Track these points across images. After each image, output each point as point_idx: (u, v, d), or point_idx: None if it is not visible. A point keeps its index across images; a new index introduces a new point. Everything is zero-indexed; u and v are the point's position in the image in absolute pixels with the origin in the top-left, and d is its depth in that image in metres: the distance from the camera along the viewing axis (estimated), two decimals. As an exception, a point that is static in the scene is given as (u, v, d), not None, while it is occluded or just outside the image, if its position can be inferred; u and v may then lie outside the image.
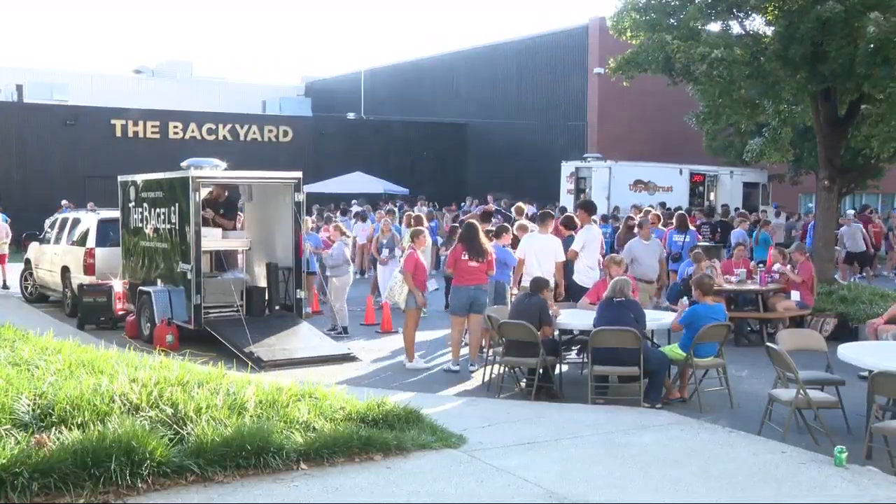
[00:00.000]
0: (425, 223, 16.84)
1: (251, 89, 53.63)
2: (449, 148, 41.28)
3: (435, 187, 35.58)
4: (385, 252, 15.90)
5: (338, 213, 25.28)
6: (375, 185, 34.02)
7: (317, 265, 15.57)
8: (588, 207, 13.33)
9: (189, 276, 12.36)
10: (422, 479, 6.27)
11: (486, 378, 10.27)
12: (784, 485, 6.37)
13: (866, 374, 8.72)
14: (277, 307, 13.27)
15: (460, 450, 6.97)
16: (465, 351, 11.49)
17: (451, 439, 7.11)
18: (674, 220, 17.64)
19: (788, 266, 13.48)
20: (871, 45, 13.52)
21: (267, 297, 13.30)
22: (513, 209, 18.57)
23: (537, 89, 38.29)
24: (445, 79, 43.29)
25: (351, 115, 42.80)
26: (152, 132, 35.27)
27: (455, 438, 7.13)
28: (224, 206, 13.85)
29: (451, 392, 10.00)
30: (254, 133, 37.29)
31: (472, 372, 10.96)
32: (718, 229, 20.36)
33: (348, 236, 14.91)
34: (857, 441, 7.21)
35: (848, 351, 8.06)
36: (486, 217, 14.86)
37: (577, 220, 13.03)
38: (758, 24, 16.97)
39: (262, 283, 13.50)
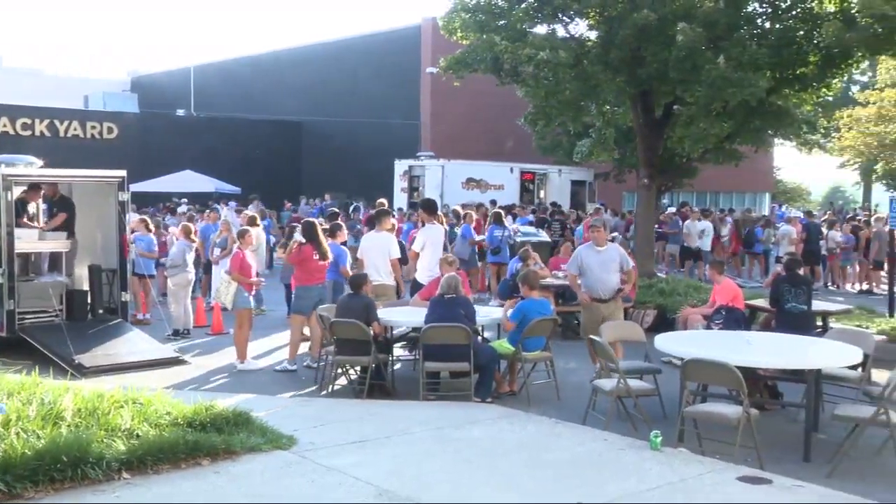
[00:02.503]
0: (259, 222, 16.56)
1: (71, 83, 51.12)
2: (283, 146, 40.72)
3: (269, 186, 34.97)
4: (216, 252, 15.51)
5: (167, 214, 24.47)
6: (206, 183, 33.09)
7: (153, 268, 15.09)
8: (429, 206, 13.42)
9: (0, 280, 11.63)
10: (251, 482, 6.16)
11: (320, 377, 10.21)
12: (605, 470, 6.65)
13: (670, 360, 9.28)
14: (101, 311, 12.70)
15: (291, 451, 6.88)
16: (302, 349, 11.39)
17: (281, 440, 7.01)
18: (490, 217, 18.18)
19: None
20: (682, 52, 14.30)
21: (90, 301, 12.71)
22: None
23: (372, 88, 38.31)
24: (279, 76, 42.67)
25: (180, 112, 41.51)
26: (-45, 125, 32.96)
27: (286, 439, 7.04)
28: (58, 206, 13.12)
29: (286, 393, 9.87)
30: (75, 129, 35.40)
31: (315, 368, 10.91)
32: (567, 226, 21.18)
33: (193, 240, 14.42)
34: (673, 425, 7.60)
35: (663, 341, 8.48)
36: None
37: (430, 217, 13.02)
38: (581, 28, 17.61)
39: (85, 285, 12.89)
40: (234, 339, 11.44)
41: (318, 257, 11.02)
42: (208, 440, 6.60)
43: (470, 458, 6.95)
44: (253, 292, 11.66)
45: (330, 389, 9.80)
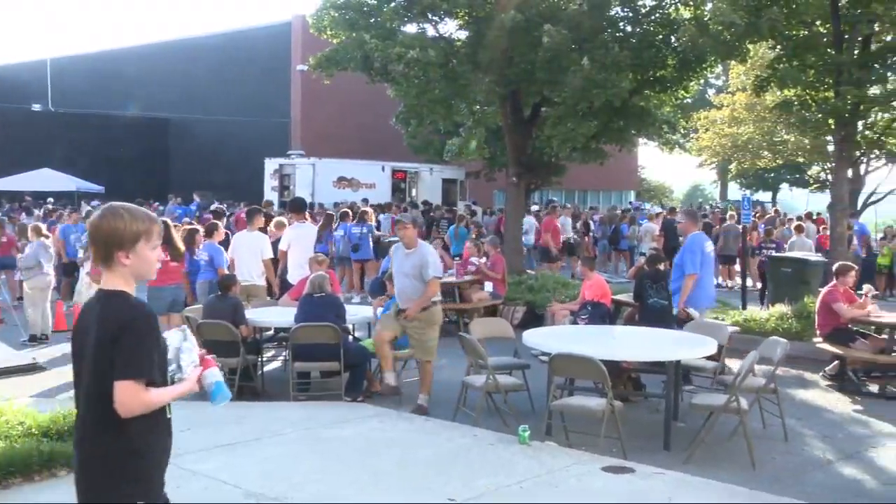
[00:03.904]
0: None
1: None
2: (149, 144, 39.52)
3: (135, 185, 33.87)
4: (80, 253, 14.91)
5: (22, 214, 23.35)
6: (67, 182, 31.78)
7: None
8: (297, 205, 13.30)
9: None
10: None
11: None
12: (475, 465, 6.72)
13: (538, 353, 9.47)
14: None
15: (155, 457, 6.66)
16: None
17: (145, 447, 6.77)
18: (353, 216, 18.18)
19: (483, 259, 14.25)
20: (549, 54, 14.64)
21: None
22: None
23: (241, 85, 37.64)
24: (144, 71, 41.33)
25: (37, 107, 39.66)
26: None
27: (149, 446, 6.81)
28: None
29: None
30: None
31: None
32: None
33: (47, 236, 13.76)
34: (541, 419, 7.75)
35: (531, 336, 8.64)
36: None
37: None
38: (451, 27, 17.79)
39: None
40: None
41: (169, 258, 10.70)
42: (66, 450, 6.31)
43: (341, 458, 6.91)
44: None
45: (199, 393, 9.54)
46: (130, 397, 2.94)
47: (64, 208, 22.21)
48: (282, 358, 11.02)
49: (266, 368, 10.58)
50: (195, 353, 3.32)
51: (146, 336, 3.02)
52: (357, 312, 10.72)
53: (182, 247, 10.91)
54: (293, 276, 12.01)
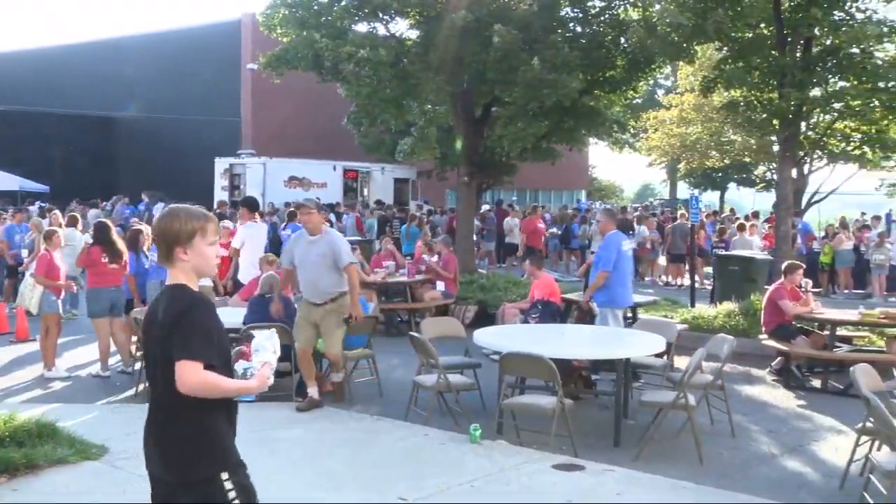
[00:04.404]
0: (80, 223, 15.72)
1: None
2: (96, 143, 38.79)
3: (81, 184, 33.29)
4: (25, 254, 14.65)
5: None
6: (9, 181, 31.14)
7: None
8: (249, 204, 13.24)
9: None
10: (56, 496, 5.84)
11: (138, 383, 9.80)
12: (426, 464, 6.73)
13: (490, 352, 9.52)
14: None
15: (101, 461, 6.57)
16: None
17: (91, 451, 6.68)
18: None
19: (435, 258, 14.27)
20: (499, 54, 14.70)
21: None
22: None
23: (191, 84, 37.16)
24: (91, 69, 40.52)
25: (-26, 104, 38.75)
26: None
27: (96, 449, 6.72)
28: None
29: (99, 401, 9.42)
30: None
31: (126, 373, 10.45)
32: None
33: None
34: (492, 418, 7.78)
35: (482, 336, 8.67)
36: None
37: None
38: (402, 27, 17.78)
39: None
40: (40, 345, 10.81)
41: (107, 260, 10.52)
42: (6, 456, 6.19)
43: (293, 459, 6.87)
44: (62, 296, 11.04)
45: (146, 395, 9.42)
46: (188, 375, 3.16)
47: (6, 209, 21.76)
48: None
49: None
50: (269, 354, 3.46)
51: (204, 321, 3.28)
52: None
53: (123, 248, 10.74)
54: (245, 276, 11.91)
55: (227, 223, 14.53)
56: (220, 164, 30.25)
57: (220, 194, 28.90)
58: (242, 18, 35.52)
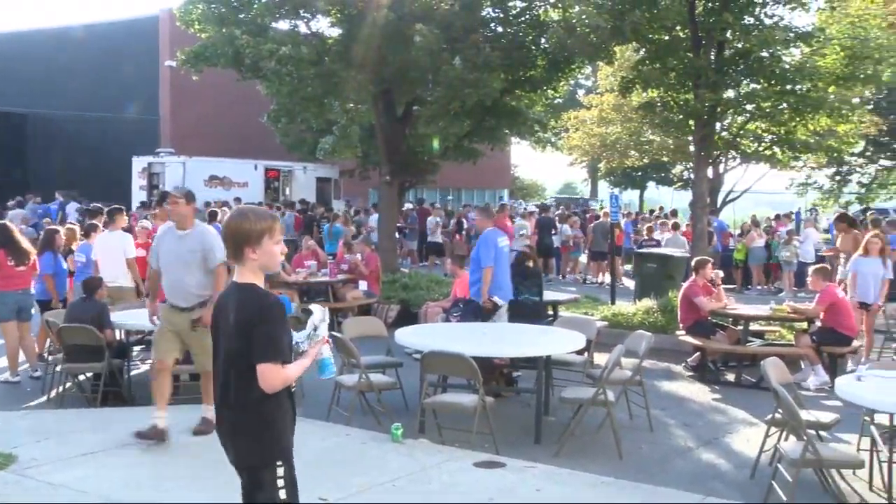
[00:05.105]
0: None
1: None
2: (6, 140, 37.49)
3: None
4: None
5: None
6: None
7: None
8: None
9: None
10: (-38, 509, 5.66)
11: (50, 388, 9.53)
12: (348, 464, 6.70)
13: (412, 351, 9.52)
14: None
15: (8, 469, 6.35)
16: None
17: (-3, 460, 6.48)
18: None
19: (358, 256, 14.22)
20: (421, 53, 14.72)
21: None
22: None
23: (107, 80, 36.27)
24: (2, 64, 39.19)
25: None
26: None
27: (2, 458, 6.51)
28: None
29: (8, 407, 9.12)
30: None
31: (35, 378, 10.15)
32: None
33: None
34: (415, 417, 7.79)
35: (404, 335, 8.68)
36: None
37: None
38: (323, 25, 17.65)
39: None
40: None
41: (13, 263, 10.17)
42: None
43: (211, 462, 6.74)
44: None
45: (59, 400, 9.18)
46: (273, 377, 3.48)
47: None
48: (150, 362, 10.69)
49: (133, 373, 10.24)
50: (322, 330, 3.79)
51: (281, 322, 3.55)
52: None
53: (30, 249, 10.39)
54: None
55: (146, 223, 14.26)
56: (138, 162, 29.64)
57: (139, 194, 28.31)
58: (160, 14, 34.82)
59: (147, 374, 10.40)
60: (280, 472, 3.65)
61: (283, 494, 3.67)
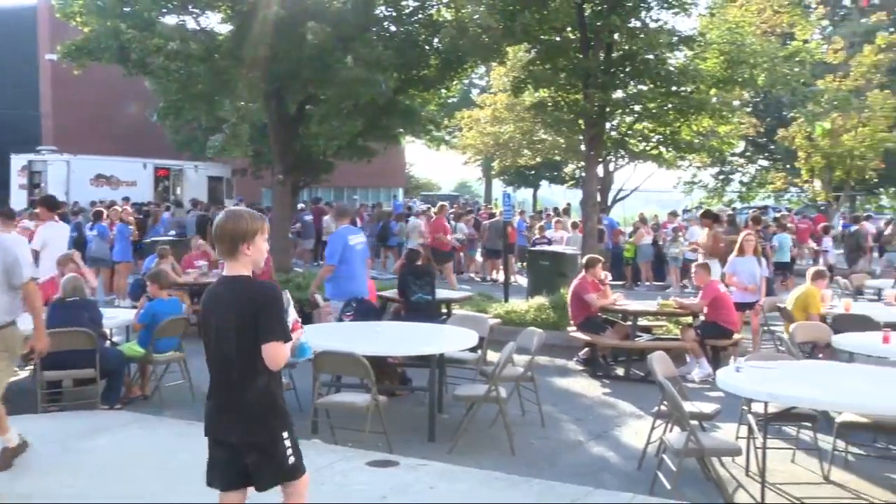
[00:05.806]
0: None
1: None
2: None
3: None
4: None
5: None
6: None
7: None
8: (49, 203, 12.53)
9: None
10: None
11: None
12: (240, 468, 6.60)
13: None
14: None
15: None
16: None
17: None
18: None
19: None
20: (313, 51, 14.60)
21: None
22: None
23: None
24: None
25: None
26: None
27: None
28: None
29: None
30: None
31: None
32: None
33: None
34: (307, 417, 7.73)
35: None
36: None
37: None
38: (213, 21, 17.31)
39: None
40: None
41: None
42: None
43: (99, 469, 6.57)
44: None
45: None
46: (280, 355, 3.90)
47: None
48: (29, 368, 10.30)
49: (10, 379, 9.83)
50: (292, 315, 4.19)
51: (282, 304, 4.01)
52: (116, 315, 10.22)
53: None
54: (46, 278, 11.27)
55: (27, 223, 13.73)
56: (18, 160, 28.45)
57: (18, 193, 27.19)
58: (38, 4, 33.50)
59: (27, 380, 10.03)
60: (287, 442, 4.04)
61: (291, 459, 4.06)
